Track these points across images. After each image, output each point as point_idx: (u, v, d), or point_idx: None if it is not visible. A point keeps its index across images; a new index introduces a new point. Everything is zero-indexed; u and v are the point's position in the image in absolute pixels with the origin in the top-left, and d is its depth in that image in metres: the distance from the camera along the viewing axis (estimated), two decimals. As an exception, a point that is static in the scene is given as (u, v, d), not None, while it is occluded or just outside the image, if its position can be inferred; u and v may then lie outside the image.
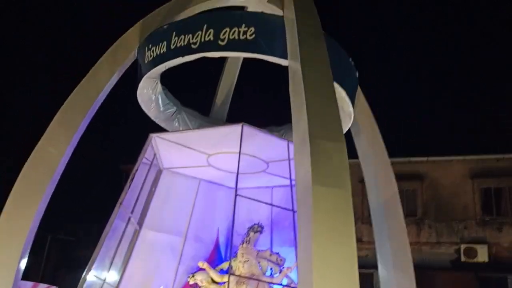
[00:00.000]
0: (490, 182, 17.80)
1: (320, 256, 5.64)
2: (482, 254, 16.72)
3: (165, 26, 9.76)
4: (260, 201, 10.03)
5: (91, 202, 22.07)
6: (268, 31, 9.11)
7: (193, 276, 10.83)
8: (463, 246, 17.24)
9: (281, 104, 10.16)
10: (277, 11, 10.38)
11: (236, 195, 8.08)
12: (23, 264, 8.53)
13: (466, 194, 18.01)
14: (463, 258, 16.99)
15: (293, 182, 8.79)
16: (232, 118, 13.93)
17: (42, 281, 13.00)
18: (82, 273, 9.17)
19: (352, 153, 10.67)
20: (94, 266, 8.89)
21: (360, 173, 11.21)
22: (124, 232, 10.26)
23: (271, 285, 10.38)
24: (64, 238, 23.60)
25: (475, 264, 16.66)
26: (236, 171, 9.47)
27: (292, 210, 8.59)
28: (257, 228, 10.85)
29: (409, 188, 17.95)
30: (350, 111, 10.34)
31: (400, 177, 11.81)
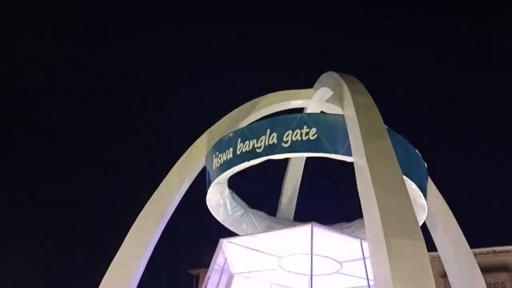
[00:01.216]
0: None
1: None
2: None
3: (231, 134, 10.21)
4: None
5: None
6: (330, 130, 9.29)
7: None
8: None
9: (349, 196, 10.02)
10: (337, 110, 10.63)
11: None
12: None
13: None
14: None
15: (371, 283, 8.38)
16: (299, 214, 13.83)
17: None
18: None
19: (432, 244, 10.11)
20: None
21: (441, 267, 10.51)
22: None
23: None
24: None
25: None
26: (309, 272, 9.18)
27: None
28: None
29: (496, 281, 16.49)
30: (422, 203, 9.97)
31: (485, 269, 10.94)
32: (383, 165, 7.56)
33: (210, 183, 10.52)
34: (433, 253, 9.92)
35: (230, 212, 11.89)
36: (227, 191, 11.39)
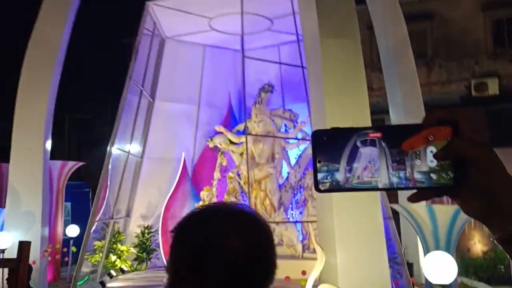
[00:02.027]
0: (502, 13, 17.14)
1: (332, 109, 5.74)
2: (493, 88, 16.80)
3: None
4: (268, 61, 9.92)
5: (98, 80, 22.10)
6: None
7: (211, 139, 11.25)
8: (473, 81, 17.26)
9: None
10: None
11: (243, 57, 7.95)
12: (48, 145, 8.92)
13: (477, 28, 17.49)
14: (474, 93, 17.14)
15: (300, 38, 8.59)
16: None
17: (69, 159, 13.65)
18: (104, 148, 9.58)
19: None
20: (116, 140, 9.23)
21: (368, 19, 10.81)
22: (138, 105, 10.44)
23: (287, 140, 10.78)
24: (80, 117, 24.19)
25: (485, 98, 16.84)
26: (240, 32, 9.22)
27: (302, 66, 8.50)
28: (267, 88, 10.90)
29: (418, 29, 17.41)
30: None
31: (409, 18, 11.40)
32: None
33: None
34: (362, 6, 10.05)
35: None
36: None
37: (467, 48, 17.83)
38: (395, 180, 0.71)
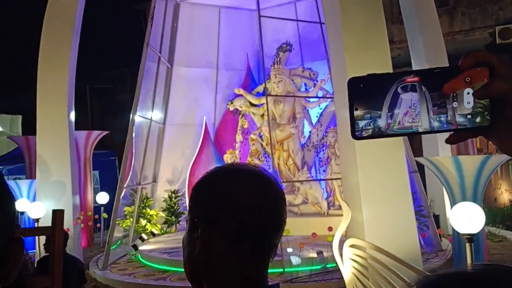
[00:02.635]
0: (527, -46, 16.36)
1: (354, 65, 5.65)
2: (518, 34, 16.23)
3: None
4: (286, 19, 9.74)
5: (116, 48, 22.11)
6: None
7: (231, 102, 11.25)
8: (498, 28, 16.68)
9: None
10: None
11: (259, 16, 7.82)
12: (72, 116, 9.07)
13: (501, -29, 16.77)
14: (498, 41, 16.59)
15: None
16: None
17: (92, 129, 13.86)
18: (126, 116, 9.69)
19: None
20: (138, 108, 9.32)
21: (386, -31, 10.47)
22: (157, 72, 10.44)
23: (307, 99, 10.70)
24: (101, 86, 24.39)
25: (511, 44, 16.29)
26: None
27: (320, 22, 8.33)
28: (285, 47, 10.76)
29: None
30: None
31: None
32: None
33: None
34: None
35: None
36: None
37: (490, -6, 17.16)
38: (435, 124, 0.71)
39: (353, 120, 0.73)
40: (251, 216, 0.96)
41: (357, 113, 0.73)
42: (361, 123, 0.73)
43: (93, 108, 24.11)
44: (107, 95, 24.90)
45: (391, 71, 5.97)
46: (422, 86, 0.72)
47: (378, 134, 0.73)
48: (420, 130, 0.72)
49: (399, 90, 0.72)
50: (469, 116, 0.71)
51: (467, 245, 4.03)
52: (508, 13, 16.87)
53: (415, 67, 10.43)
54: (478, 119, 0.71)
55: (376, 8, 5.84)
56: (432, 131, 0.72)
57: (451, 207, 6.21)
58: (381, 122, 0.73)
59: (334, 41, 6.08)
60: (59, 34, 8.65)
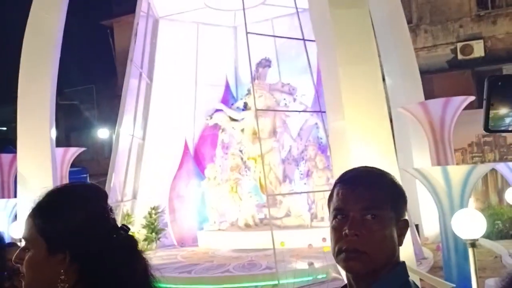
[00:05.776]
0: (483, -25, 17.34)
1: (347, 78, 5.85)
2: (478, 50, 17.07)
3: None
4: (271, 35, 9.96)
5: (82, 64, 21.75)
6: None
7: (211, 117, 11.30)
8: (459, 45, 17.52)
9: None
10: None
11: (247, 33, 7.96)
12: (53, 133, 8.88)
13: (459, -9, 17.67)
14: (459, 56, 17.41)
15: (300, 10, 8.64)
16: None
17: (59, 146, 13.48)
18: (93, 133, 9.56)
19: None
20: (117, 124, 9.23)
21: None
22: (139, 88, 10.40)
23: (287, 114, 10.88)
24: (66, 103, 23.85)
25: (471, 60, 17.13)
26: (233, 7, 9.17)
27: (303, 38, 8.55)
28: (265, 63, 10.94)
29: (403, -5, 17.47)
30: None
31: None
32: None
33: None
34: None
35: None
36: None
37: (451, 12, 18.03)
38: None
39: (488, 114, 0.81)
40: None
41: (493, 108, 0.80)
42: (498, 117, 0.79)
43: (58, 125, 23.54)
44: (73, 112, 24.37)
45: (381, 83, 6.22)
46: None
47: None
48: None
49: None
50: None
51: (470, 249, 4.24)
52: (468, 30, 17.78)
53: (388, 81, 10.83)
54: None
55: (366, 25, 6.09)
56: None
57: (439, 215, 6.48)
58: None
59: (326, 56, 6.28)
60: (40, 49, 8.48)
